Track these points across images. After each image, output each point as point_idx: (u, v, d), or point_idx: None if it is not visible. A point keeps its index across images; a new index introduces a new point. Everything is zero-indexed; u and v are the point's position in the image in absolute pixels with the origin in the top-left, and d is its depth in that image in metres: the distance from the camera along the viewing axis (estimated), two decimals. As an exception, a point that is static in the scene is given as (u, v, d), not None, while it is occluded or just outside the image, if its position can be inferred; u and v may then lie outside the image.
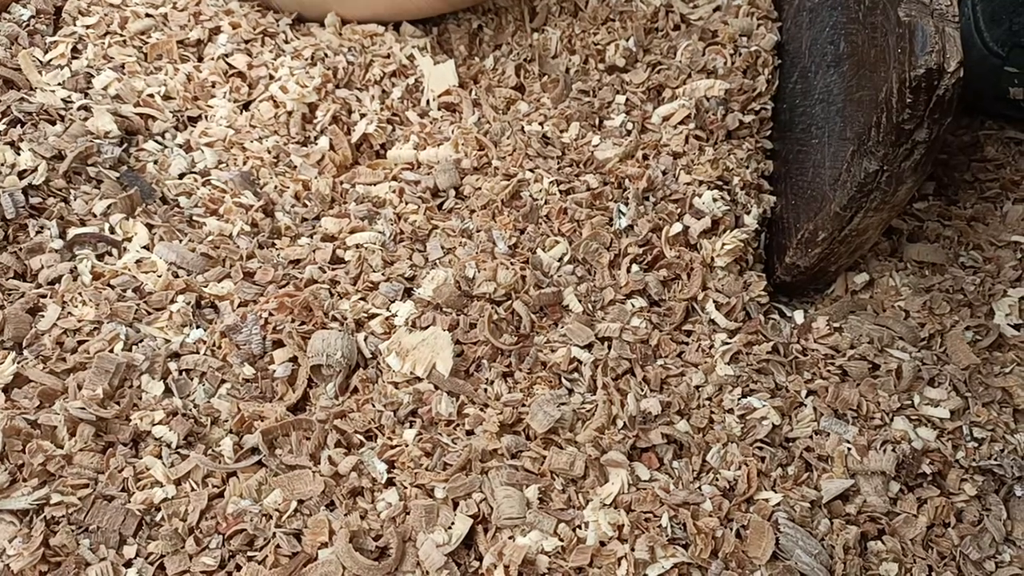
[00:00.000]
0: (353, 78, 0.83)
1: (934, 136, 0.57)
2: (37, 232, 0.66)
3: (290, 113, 0.79)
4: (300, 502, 0.57)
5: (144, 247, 0.68)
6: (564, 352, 0.64)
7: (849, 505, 0.61)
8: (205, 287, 0.66)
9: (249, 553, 0.55)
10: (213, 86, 0.80)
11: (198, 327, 0.64)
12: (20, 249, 0.65)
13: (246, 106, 0.80)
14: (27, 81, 0.74)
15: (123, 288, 0.65)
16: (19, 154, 0.68)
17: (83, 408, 0.57)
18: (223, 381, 0.62)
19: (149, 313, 0.64)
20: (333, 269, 0.69)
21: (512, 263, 0.68)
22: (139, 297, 0.65)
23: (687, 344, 0.67)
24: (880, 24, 0.60)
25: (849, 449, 0.62)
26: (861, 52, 0.64)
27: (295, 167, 0.77)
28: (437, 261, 0.70)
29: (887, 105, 0.58)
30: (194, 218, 0.72)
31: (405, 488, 0.57)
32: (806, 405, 0.65)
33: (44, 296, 0.63)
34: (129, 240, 0.68)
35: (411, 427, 0.60)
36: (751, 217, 0.74)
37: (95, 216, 0.69)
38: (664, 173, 0.74)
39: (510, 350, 0.63)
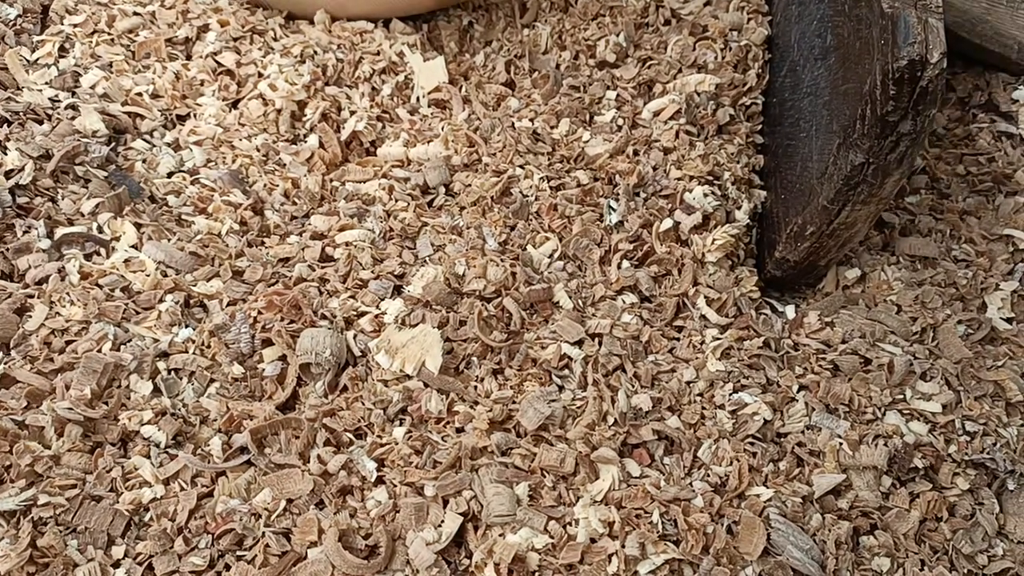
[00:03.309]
0: (343, 75, 0.83)
1: (919, 128, 0.57)
2: (24, 232, 0.66)
3: (279, 111, 0.79)
4: (289, 501, 0.56)
5: (132, 246, 0.67)
6: (554, 349, 0.63)
7: (841, 500, 0.61)
8: (194, 286, 0.66)
9: (238, 553, 0.55)
10: (202, 84, 0.80)
11: (187, 326, 0.64)
12: (7, 249, 0.65)
13: (235, 104, 0.80)
14: (14, 80, 0.74)
15: (111, 288, 0.64)
16: (6, 154, 0.68)
17: (71, 408, 0.57)
18: (212, 380, 0.62)
19: (137, 312, 0.64)
20: (322, 267, 0.68)
21: (502, 260, 0.67)
22: (127, 296, 0.64)
23: (678, 340, 0.67)
24: (865, 16, 0.60)
25: (841, 444, 0.62)
26: (847, 45, 0.64)
27: (284, 165, 0.77)
28: (427, 258, 0.69)
29: (871, 97, 0.57)
30: (183, 217, 0.71)
31: (395, 486, 0.57)
32: (797, 400, 0.65)
33: (31, 296, 0.63)
34: (117, 239, 0.68)
35: (401, 425, 0.60)
36: (742, 212, 0.74)
37: (83, 215, 0.68)
38: (655, 168, 0.74)
39: (500, 347, 0.63)
